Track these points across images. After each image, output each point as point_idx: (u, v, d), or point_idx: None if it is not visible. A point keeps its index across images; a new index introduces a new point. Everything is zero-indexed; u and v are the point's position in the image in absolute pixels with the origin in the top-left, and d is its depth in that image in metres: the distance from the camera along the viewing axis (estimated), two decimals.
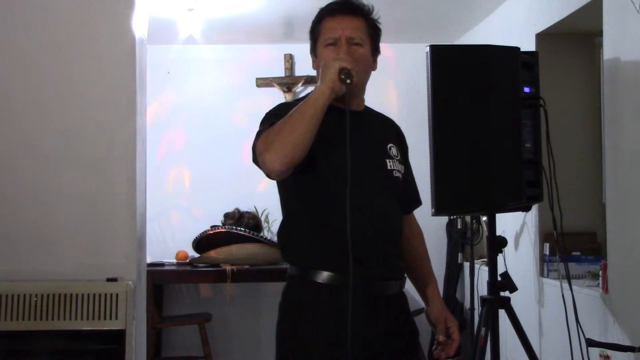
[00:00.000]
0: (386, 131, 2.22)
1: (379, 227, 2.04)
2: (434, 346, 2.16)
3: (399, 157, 2.16)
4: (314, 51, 2.16)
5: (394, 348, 2.06)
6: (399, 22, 5.03)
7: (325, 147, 1.97)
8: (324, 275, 2.00)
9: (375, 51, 2.15)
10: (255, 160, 1.99)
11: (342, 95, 1.96)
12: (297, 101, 2.09)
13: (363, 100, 2.17)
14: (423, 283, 2.26)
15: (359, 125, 2.04)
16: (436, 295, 2.24)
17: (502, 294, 2.88)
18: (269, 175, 1.95)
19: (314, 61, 2.16)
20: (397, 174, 2.13)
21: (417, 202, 2.32)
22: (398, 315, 2.10)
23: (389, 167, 2.11)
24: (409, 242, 2.25)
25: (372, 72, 2.16)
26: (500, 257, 2.95)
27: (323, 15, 2.12)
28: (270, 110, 2.11)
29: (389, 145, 2.16)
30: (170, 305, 5.38)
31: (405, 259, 2.24)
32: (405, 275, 2.26)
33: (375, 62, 2.15)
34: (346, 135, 1.90)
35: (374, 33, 2.13)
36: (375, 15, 2.13)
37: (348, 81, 1.93)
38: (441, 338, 2.15)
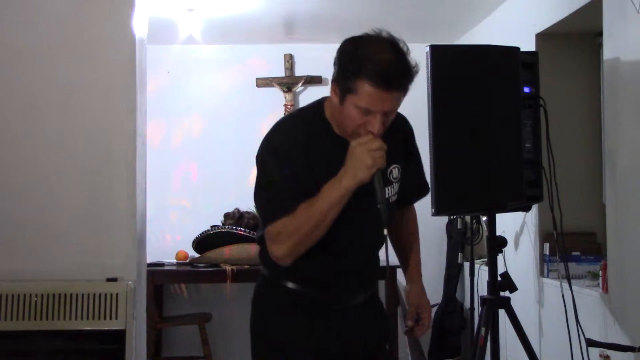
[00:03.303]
0: (390, 149, 1.93)
1: (360, 251, 2.03)
2: (404, 328, 2.19)
3: (398, 177, 2.07)
4: (340, 87, 1.87)
5: (364, 351, 2.08)
6: (399, 22, 5.02)
7: (317, 175, 1.91)
8: (293, 284, 2.02)
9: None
10: (257, 209, 2.00)
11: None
12: (293, 122, 2.02)
13: None
14: (406, 265, 2.24)
15: None
16: (417, 279, 2.21)
17: (502, 294, 2.88)
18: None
19: (334, 91, 1.90)
20: (393, 198, 2.07)
21: (425, 191, 2.27)
22: (366, 319, 2.10)
23: (386, 196, 1.99)
24: (400, 226, 2.23)
25: None
26: (500, 257, 2.95)
27: (369, 76, 1.80)
28: (270, 148, 1.96)
29: (392, 167, 2.02)
30: (170, 305, 5.38)
31: (395, 239, 2.23)
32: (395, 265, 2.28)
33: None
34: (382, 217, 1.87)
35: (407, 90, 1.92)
36: (418, 73, 1.90)
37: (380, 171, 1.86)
38: (409, 323, 2.15)
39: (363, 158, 1.82)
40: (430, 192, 2.75)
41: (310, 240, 1.87)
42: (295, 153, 1.91)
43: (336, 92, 1.89)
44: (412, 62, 1.87)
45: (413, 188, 2.21)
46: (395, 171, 2.05)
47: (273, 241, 1.90)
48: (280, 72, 5.54)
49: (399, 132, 2.11)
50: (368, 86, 1.80)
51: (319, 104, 2.03)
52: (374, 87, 1.80)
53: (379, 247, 2.11)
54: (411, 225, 2.29)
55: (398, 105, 1.89)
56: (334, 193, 1.84)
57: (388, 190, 2.01)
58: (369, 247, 2.08)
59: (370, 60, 1.81)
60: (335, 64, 1.89)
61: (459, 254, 5.06)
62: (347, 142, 1.89)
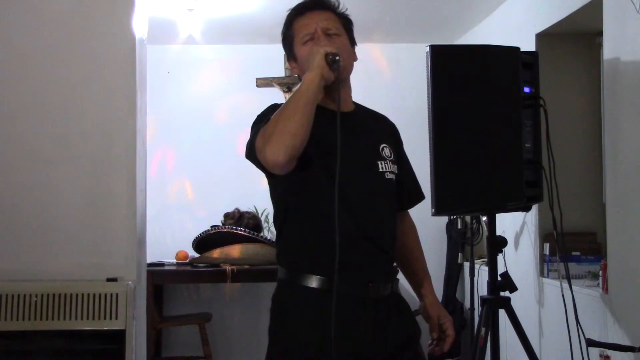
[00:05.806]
0: (378, 131, 2.16)
1: (370, 232, 2.00)
2: (428, 342, 2.17)
3: (392, 157, 2.11)
4: (292, 56, 2.10)
5: (387, 350, 2.03)
6: (399, 22, 5.03)
7: (317, 150, 1.94)
8: (312, 280, 1.99)
9: (353, 42, 2.12)
10: (250, 156, 1.98)
11: (330, 88, 1.95)
12: (276, 104, 2.08)
13: (351, 98, 2.13)
14: (416, 280, 2.24)
15: (350, 127, 2.00)
16: (429, 292, 2.22)
17: (502, 294, 2.88)
18: (270, 171, 1.93)
19: (294, 67, 2.11)
20: (390, 176, 2.09)
21: (418, 197, 2.27)
22: (390, 317, 2.05)
23: (380, 169, 2.06)
24: (401, 239, 2.21)
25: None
26: (500, 257, 2.95)
27: (292, 17, 2.10)
28: (262, 113, 2.08)
29: (382, 145, 2.10)
30: (170, 305, 5.38)
31: (398, 256, 2.22)
32: (400, 272, 2.26)
33: (354, 52, 2.12)
34: (337, 135, 1.86)
35: (347, 24, 2.11)
36: (342, 8, 2.11)
37: (338, 58, 1.90)
38: (435, 335, 2.16)
39: (312, 52, 1.95)
40: (430, 192, 2.77)
41: (292, 127, 1.83)
42: None
43: (292, 61, 2.11)
44: None
45: (405, 189, 2.20)
46: (386, 150, 2.11)
47: (262, 148, 1.87)
48: (280, 72, 5.53)
49: (384, 123, 2.23)
50: (296, 20, 2.08)
51: None
52: (300, 15, 2.08)
53: (391, 224, 2.10)
54: (413, 234, 2.28)
55: (335, 25, 2.05)
56: (301, 87, 1.90)
57: (382, 165, 2.07)
58: (378, 218, 2.05)
59: (290, 10, 2.12)
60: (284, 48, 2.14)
61: (459, 254, 5.07)
62: (326, 110, 1.97)
